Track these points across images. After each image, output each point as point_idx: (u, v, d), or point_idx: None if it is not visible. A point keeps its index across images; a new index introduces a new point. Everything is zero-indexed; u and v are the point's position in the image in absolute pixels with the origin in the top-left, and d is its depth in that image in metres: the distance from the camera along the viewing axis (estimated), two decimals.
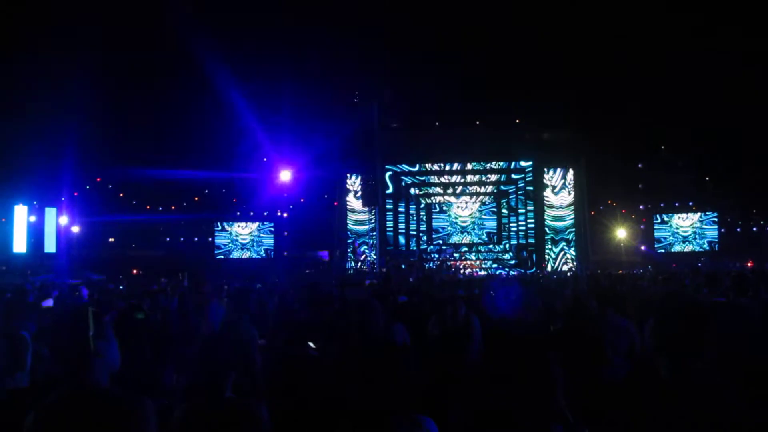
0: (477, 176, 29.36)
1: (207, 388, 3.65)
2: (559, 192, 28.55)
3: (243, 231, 31.34)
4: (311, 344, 4.62)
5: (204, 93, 27.66)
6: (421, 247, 29.20)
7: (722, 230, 29.97)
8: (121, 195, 32.20)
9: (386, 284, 11.79)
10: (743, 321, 5.38)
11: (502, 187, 29.33)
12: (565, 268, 27.61)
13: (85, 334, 2.67)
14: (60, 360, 2.68)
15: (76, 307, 3.02)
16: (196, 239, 31.88)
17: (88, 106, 26.70)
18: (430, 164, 29.42)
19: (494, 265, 28.19)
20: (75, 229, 31.60)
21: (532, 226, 28.63)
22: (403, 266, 25.78)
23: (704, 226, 29.75)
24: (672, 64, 27.63)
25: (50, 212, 30.19)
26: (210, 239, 31.40)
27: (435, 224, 29.36)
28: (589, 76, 27.58)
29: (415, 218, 29.58)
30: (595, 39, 27.35)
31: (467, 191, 29.31)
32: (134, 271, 27.28)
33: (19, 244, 28.41)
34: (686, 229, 29.78)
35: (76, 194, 31.62)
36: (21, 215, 28.57)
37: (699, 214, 29.78)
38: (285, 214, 31.84)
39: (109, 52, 25.63)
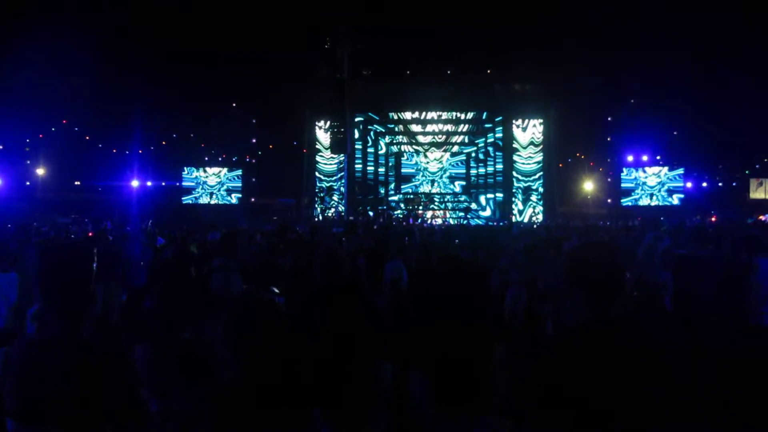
0: (447, 126, 29.38)
1: (164, 329, 3.66)
2: (528, 143, 28.74)
3: (211, 176, 31.14)
4: (275, 289, 4.62)
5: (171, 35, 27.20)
6: (389, 195, 29.29)
7: (687, 185, 30.26)
8: (87, 138, 31.67)
9: (352, 231, 11.88)
10: (703, 272, 5.47)
11: (471, 137, 29.39)
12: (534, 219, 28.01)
13: (90, 276, 2.54)
14: (56, 302, 2.52)
15: (82, 247, 2.84)
16: (163, 183, 31.61)
17: (54, 46, 26.15)
18: (399, 113, 29.39)
19: (461, 215, 28.37)
20: (40, 171, 31.21)
21: (501, 177, 28.91)
22: (371, 214, 25.91)
23: (670, 181, 30.04)
24: (643, 19, 27.46)
25: None
26: (178, 183, 31.16)
27: (404, 171, 29.45)
28: (560, 28, 27.30)
29: (384, 166, 29.62)
30: None
31: (436, 141, 29.35)
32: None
33: None
34: (653, 182, 30.05)
35: (41, 136, 31.14)
36: None
37: (666, 168, 30.01)
38: (254, 161, 31.61)
39: None
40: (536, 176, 28.85)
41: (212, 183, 30.97)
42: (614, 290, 2.41)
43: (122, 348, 2.77)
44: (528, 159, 28.85)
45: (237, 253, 5.95)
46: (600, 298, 2.40)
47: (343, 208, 27.87)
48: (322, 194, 28.48)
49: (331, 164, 29.35)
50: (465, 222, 26.48)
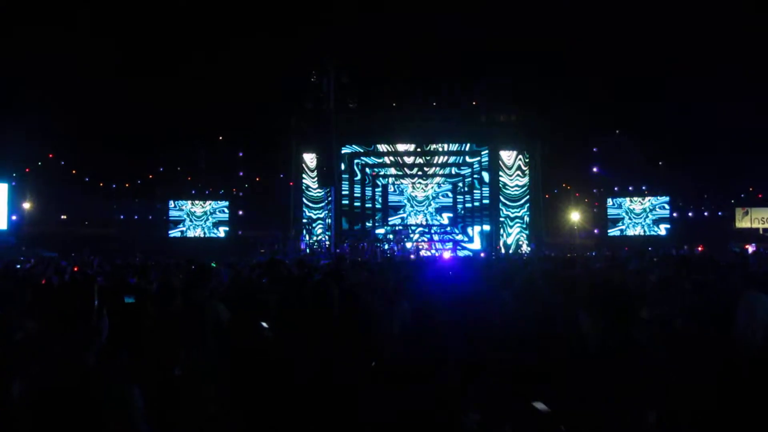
0: (433, 157, 29.50)
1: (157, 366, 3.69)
2: (514, 174, 28.84)
3: (198, 210, 31.10)
4: (264, 324, 4.66)
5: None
6: (376, 227, 29.26)
7: (674, 214, 30.37)
8: (74, 172, 31.65)
9: (339, 264, 11.78)
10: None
11: (457, 169, 29.49)
12: (521, 250, 27.96)
13: (91, 309, 2.62)
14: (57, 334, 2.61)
15: (85, 281, 2.97)
16: (150, 217, 31.54)
17: (41, 82, 26.28)
18: (386, 146, 29.51)
19: (449, 246, 28.32)
20: (27, 205, 31.09)
21: (487, 209, 28.98)
22: (360, 246, 25.82)
23: (657, 210, 30.14)
24: (627, 48, 27.81)
25: (1, 188, 29.68)
26: (164, 218, 31.09)
27: (391, 201, 29.49)
28: (545, 59, 27.64)
29: (370, 198, 29.65)
30: (550, 21, 27.44)
31: (423, 173, 29.44)
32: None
33: None
34: (638, 212, 30.15)
35: (27, 170, 31.08)
36: None
37: (651, 198, 30.14)
38: (240, 193, 31.59)
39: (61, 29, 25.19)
40: (522, 207, 28.87)
41: (199, 213, 30.94)
42: None
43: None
44: (514, 190, 28.89)
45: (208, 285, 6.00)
46: None
47: (325, 240, 27.83)
48: (309, 227, 28.45)
49: (317, 196, 29.32)
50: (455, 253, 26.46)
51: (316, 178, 28.23)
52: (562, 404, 2.87)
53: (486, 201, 29.06)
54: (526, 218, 28.85)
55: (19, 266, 15.14)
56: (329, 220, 28.37)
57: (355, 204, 29.64)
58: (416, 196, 29.38)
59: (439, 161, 29.55)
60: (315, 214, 29.27)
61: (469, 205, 29.32)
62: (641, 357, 2.71)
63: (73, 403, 2.45)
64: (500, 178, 28.88)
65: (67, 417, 2.44)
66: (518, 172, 28.87)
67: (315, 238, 28.15)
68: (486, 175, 29.14)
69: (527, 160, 28.88)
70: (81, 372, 2.56)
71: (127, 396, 2.56)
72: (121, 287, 6.31)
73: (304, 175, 29.59)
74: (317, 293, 4.21)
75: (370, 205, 29.68)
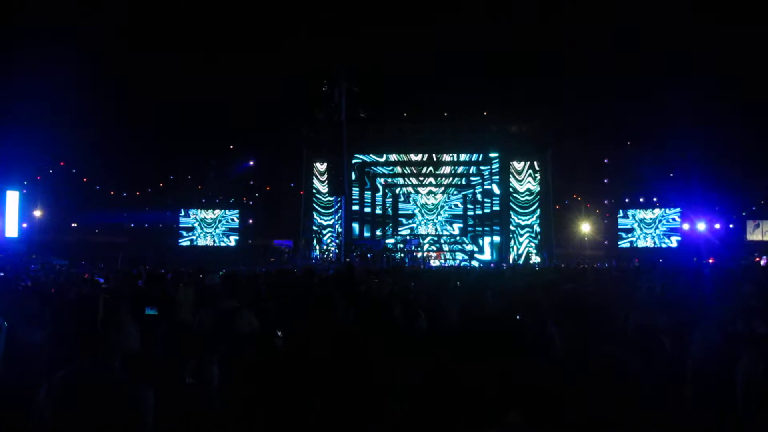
0: (444, 168, 29.52)
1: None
2: (525, 185, 28.81)
3: (208, 218, 31.15)
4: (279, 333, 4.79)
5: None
6: (387, 236, 29.24)
7: (685, 226, 30.25)
8: (84, 180, 31.76)
9: (349, 273, 11.69)
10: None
11: (467, 179, 29.49)
12: (531, 260, 27.94)
13: (94, 320, 2.88)
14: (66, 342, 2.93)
15: (89, 295, 3.34)
16: (160, 225, 31.56)
17: (52, 88, 26.35)
18: (397, 155, 29.56)
19: (460, 256, 28.28)
20: (38, 213, 31.17)
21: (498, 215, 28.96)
22: (369, 255, 25.77)
23: (669, 220, 30.05)
24: (641, 63, 27.82)
25: (12, 196, 29.74)
26: (175, 226, 31.13)
27: (402, 210, 29.48)
28: (558, 70, 27.67)
29: (381, 207, 29.66)
30: (563, 32, 27.47)
31: (434, 183, 29.45)
32: None
33: None
34: (649, 222, 30.08)
35: (38, 178, 31.19)
36: None
37: (662, 210, 30.07)
38: (251, 202, 31.61)
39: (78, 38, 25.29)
40: (533, 215, 28.81)
41: (209, 220, 30.99)
42: None
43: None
44: (525, 197, 28.84)
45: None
46: None
47: (333, 248, 27.84)
48: (319, 236, 28.47)
49: (328, 205, 29.31)
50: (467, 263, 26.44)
51: (326, 188, 28.34)
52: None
53: (496, 208, 29.01)
54: (536, 227, 28.79)
55: (33, 273, 15.18)
56: (339, 229, 28.38)
57: (365, 212, 29.63)
58: (427, 204, 29.37)
59: (450, 171, 29.55)
60: (325, 222, 29.26)
61: (479, 212, 29.27)
62: (614, 368, 2.63)
63: (96, 397, 2.79)
64: (511, 184, 28.85)
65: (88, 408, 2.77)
66: (529, 179, 28.84)
67: (325, 247, 28.17)
68: (496, 187, 29.10)
69: (538, 170, 28.85)
70: (106, 373, 2.87)
71: (142, 395, 2.86)
72: (143, 298, 6.30)
73: (314, 184, 29.61)
74: (320, 300, 4.35)
75: (380, 214, 29.67)
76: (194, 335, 5.34)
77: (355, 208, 29.51)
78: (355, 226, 29.41)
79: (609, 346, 2.75)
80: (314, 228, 28.92)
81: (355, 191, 29.37)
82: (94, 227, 31.48)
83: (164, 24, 27.95)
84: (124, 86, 28.17)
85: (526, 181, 28.82)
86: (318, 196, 29.47)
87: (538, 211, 28.76)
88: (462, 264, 26.19)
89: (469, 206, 29.38)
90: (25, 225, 30.60)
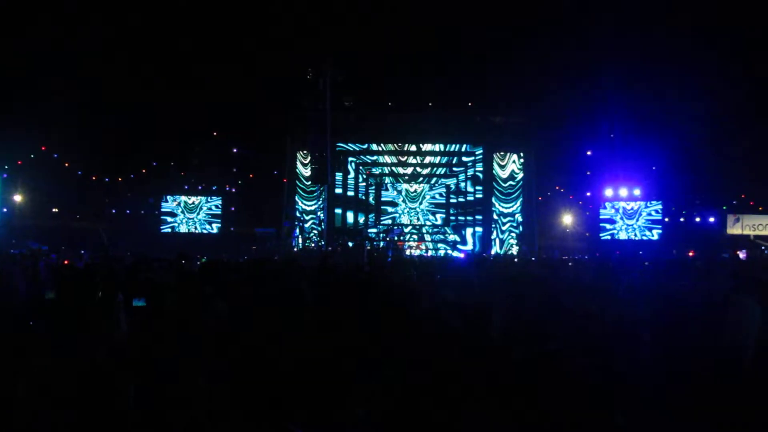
0: (427, 158, 29.53)
1: None
2: (508, 176, 28.90)
3: (190, 202, 31.03)
4: None
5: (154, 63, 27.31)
6: (369, 226, 29.26)
7: (666, 219, 30.49)
8: (67, 165, 31.52)
9: (324, 264, 11.73)
10: None
11: (451, 169, 29.53)
12: (513, 251, 28.08)
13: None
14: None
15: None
16: (142, 212, 31.40)
17: (34, 74, 26.11)
18: (380, 144, 29.55)
19: (441, 246, 28.37)
20: (18, 198, 30.89)
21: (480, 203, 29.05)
22: (350, 244, 25.78)
23: (649, 215, 30.25)
24: (624, 56, 27.88)
25: None
26: (156, 212, 30.98)
27: (384, 200, 29.47)
28: (541, 61, 27.67)
29: (364, 196, 29.66)
30: (547, 22, 27.48)
31: (416, 172, 29.46)
32: None
33: None
34: (630, 210, 30.29)
35: (19, 163, 30.90)
36: None
37: (643, 202, 30.26)
38: (234, 189, 31.49)
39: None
40: (515, 202, 28.91)
41: (191, 205, 30.87)
42: None
43: None
44: (508, 188, 28.94)
45: None
46: None
47: (315, 237, 27.84)
48: (301, 224, 28.45)
49: (311, 194, 29.28)
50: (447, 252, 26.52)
51: (310, 176, 28.30)
52: None
53: (479, 195, 29.08)
54: (519, 217, 28.91)
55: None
56: (322, 217, 28.39)
57: (348, 202, 29.62)
58: (410, 193, 29.40)
59: (433, 161, 29.58)
60: (308, 210, 29.23)
61: (462, 200, 29.33)
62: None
63: None
64: (494, 171, 28.92)
65: None
66: (513, 166, 28.93)
67: (307, 236, 28.18)
68: (476, 179, 29.18)
69: (521, 161, 28.94)
70: None
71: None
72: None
73: (297, 173, 29.56)
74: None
75: (363, 202, 29.67)
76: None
77: (338, 198, 29.49)
78: (338, 214, 29.37)
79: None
80: (296, 215, 28.88)
81: (338, 180, 29.33)
82: (75, 212, 31.30)
83: (146, 7, 27.70)
84: (106, 71, 27.93)
85: (509, 167, 28.91)
86: (301, 185, 29.40)
87: (521, 198, 28.83)
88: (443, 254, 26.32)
89: (452, 197, 29.43)
90: (5, 210, 30.35)
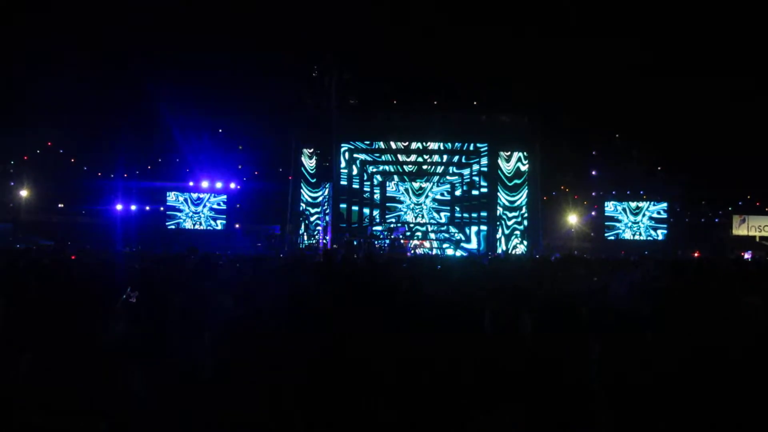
0: (432, 156, 29.44)
1: None
2: (513, 175, 28.79)
3: (195, 202, 31.07)
4: None
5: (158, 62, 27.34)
6: (374, 224, 29.23)
7: (671, 220, 30.45)
8: (72, 160, 31.62)
9: (328, 262, 11.74)
10: None
11: (456, 168, 29.43)
12: (517, 251, 28.01)
13: None
14: None
15: None
16: (147, 208, 31.46)
17: (40, 69, 26.19)
18: (386, 143, 29.45)
19: (445, 245, 28.32)
20: (24, 193, 30.99)
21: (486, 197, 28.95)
22: (354, 242, 25.82)
23: (655, 215, 30.21)
24: (630, 54, 27.83)
25: None
26: (162, 209, 31.03)
27: (389, 198, 29.38)
28: (547, 61, 27.63)
29: (369, 194, 29.59)
30: (551, 23, 27.47)
31: (422, 171, 29.38)
32: None
33: None
34: (635, 209, 30.26)
35: (25, 158, 31.03)
36: None
37: (649, 203, 30.22)
38: (239, 187, 31.50)
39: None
40: (520, 195, 28.75)
41: (196, 199, 30.91)
42: None
43: None
44: (513, 191, 28.81)
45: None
46: None
47: (318, 235, 27.88)
48: (306, 221, 28.48)
49: (316, 192, 29.25)
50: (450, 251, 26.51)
51: (314, 174, 28.32)
52: None
53: (484, 200, 28.96)
54: (524, 212, 28.79)
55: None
56: (327, 216, 28.41)
57: (354, 200, 29.56)
58: (414, 191, 29.32)
59: (438, 160, 29.48)
60: (313, 208, 29.20)
61: (467, 202, 29.23)
62: None
63: None
64: (499, 166, 28.76)
65: None
66: (518, 164, 28.76)
67: (311, 233, 28.21)
68: (482, 179, 29.09)
69: (526, 161, 28.83)
70: None
71: None
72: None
73: (302, 170, 29.52)
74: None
75: (368, 200, 29.61)
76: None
77: (343, 196, 29.44)
78: (343, 211, 29.32)
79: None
80: (301, 211, 28.85)
81: (343, 179, 29.29)
82: (81, 208, 31.40)
83: (154, 3, 27.70)
84: (112, 68, 27.99)
85: (514, 163, 28.73)
86: (306, 182, 29.36)
87: (526, 190, 28.61)
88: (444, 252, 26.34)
89: (457, 194, 29.30)
90: (11, 205, 30.48)
